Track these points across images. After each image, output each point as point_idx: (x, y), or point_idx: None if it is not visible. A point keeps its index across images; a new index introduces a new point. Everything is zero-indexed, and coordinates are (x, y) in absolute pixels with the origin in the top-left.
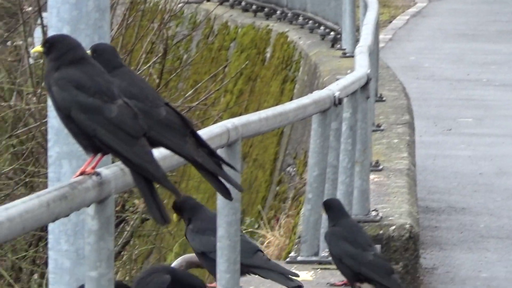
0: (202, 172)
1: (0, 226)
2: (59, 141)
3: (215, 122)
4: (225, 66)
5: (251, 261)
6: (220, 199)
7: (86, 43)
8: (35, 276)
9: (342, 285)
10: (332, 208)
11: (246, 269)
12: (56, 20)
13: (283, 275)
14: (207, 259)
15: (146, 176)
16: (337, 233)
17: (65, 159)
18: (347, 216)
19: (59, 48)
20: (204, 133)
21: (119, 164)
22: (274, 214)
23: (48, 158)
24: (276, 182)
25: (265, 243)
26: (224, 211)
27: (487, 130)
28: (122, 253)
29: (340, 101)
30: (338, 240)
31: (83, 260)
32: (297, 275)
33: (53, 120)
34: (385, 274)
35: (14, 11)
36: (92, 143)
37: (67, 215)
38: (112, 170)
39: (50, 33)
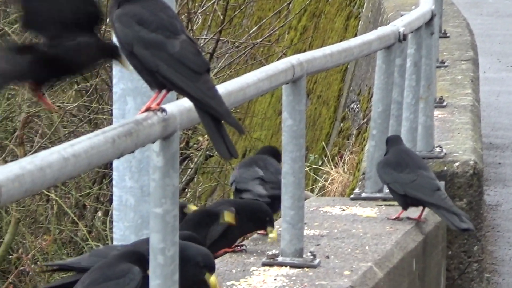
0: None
1: (66, 162)
2: (124, 77)
3: (279, 59)
4: (289, 3)
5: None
6: (285, 134)
7: None
8: (99, 213)
9: (396, 217)
10: (388, 142)
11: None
12: None
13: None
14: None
15: (209, 112)
16: (383, 161)
17: (129, 95)
18: (398, 144)
19: None
20: (268, 69)
21: (184, 100)
22: (338, 150)
23: (112, 95)
24: (340, 118)
25: (329, 180)
26: (288, 148)
27: None
28: (186, 190)
29: (404, 37)
30: (384, 168)
31: (147, 197)
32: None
33: None
34: (429, 191)
35: None
36: (156, 79)
37: (132, 152)
38: (177, 106)
39: None
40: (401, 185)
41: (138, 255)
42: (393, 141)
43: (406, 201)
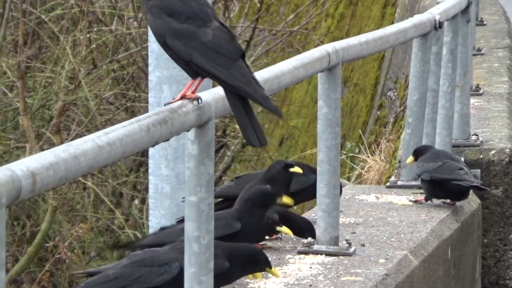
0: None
1: (100, 150)
2: (160, 65)
3: (315, 47)
4: None
5: (452, 176)
6: (321, 122)
7: None
8: (136, 201)
9: (416, 201)
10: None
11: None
12: None
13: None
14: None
15: (245, 97)
16: (419, 159)
17: (165, 83)
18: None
19: None
20: (304, 57)
21: (219, 88)
22: (375, 138)
23: (148, 83)
24: (377, 106)
25: (366, 167)
26: (324, 136)
27: None
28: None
29: (440, 24)
30: (417, 163)
31: (183, 185)
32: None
33: (154, 45)
34: (451, 171)
35: None
36: (191, 68)
37: (167, 140)
38: (212, 94)
39: None
40: (428, 173)
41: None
42: (424, 150)
43: (434, 190)
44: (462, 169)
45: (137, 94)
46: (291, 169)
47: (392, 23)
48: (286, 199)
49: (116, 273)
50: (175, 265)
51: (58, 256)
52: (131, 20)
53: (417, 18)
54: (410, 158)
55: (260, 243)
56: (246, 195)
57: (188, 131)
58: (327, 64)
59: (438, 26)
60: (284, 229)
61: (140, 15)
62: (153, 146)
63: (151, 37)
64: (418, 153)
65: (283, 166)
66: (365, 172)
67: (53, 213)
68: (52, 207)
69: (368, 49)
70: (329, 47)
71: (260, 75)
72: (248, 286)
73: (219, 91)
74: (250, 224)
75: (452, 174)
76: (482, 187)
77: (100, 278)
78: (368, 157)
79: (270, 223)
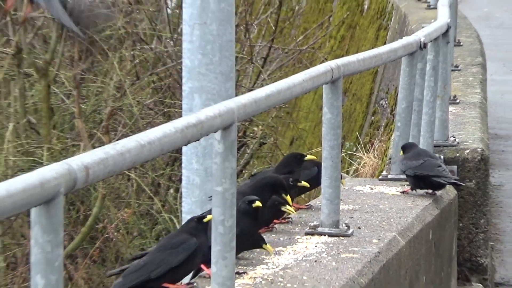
0: None
1: (142, 148)
2: (192, 78)
3: (321, 63)
4: (330, 16)
5: (432, 172)
6: (325, 125)
7: None
8: (171, 190)
9: (403, 191)
10: (405, 148)
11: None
12: None
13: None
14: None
15: None
16: (402, 157)
17: (196, 93)
18: (414, 147)
19: None
20: (311, 71)
21: (241, 96)
22: (369, 139)
23: (182, 92)
24: (371, 113)
25: (362, 163)
26: (327, 137)
27: None
28: (243, 171)
29: (425, 45)
30: (401, 161)
31: (210, 177)
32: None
33: (187, 61)
34: (431, 168)
35: None
36: None
37: (198, 140)
38: (235, 102)
39: None
40: (412, 169)
41: (196, 225)
42: (410, 146)
43: (418, 183)
44: (440, 166)
45: (172, 101)
46: (306, 158)
47: (385, 43)
48: (304, 183)
49: (145, 261)
50: (193, 241)
51: (106, 235)
52: (168, 40)
53: (405, 40)
54: (401, 153)
55: (269, 226)
56: (256, 182)
57: (215, 132)
58: (330, 78)
59: (423, 46)
60: (289, 208)
61: (175, 35)
62: (186, 145)
63: (185, 54)
64: (405, 148)
65: (298, 157)
66: (361, 167)
67: (102, 199)
68: (101, 194)
69: (365, 65)
70: (332, 63)
71: (275, 86)
72: (264, 261)
73: (241, 99)
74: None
75: (433, 171)
76: (459, 183)
77: (134, 266)
78: (364, 154)
79: (276, 204)
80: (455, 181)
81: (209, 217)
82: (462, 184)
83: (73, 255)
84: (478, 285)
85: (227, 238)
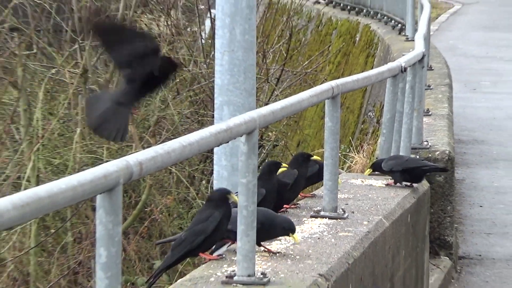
0: None
1: (184, 148)
2: (222, 93)
3: (322, 83)
4: (329, 46)
5: (417, 164)
6: (326, 131)
7: (240, 29)
8: (203, 182)
9: (388, 184)
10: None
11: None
12: (221, 14)
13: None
14: None
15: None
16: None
17: (225, 105)
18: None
19: None
20: (316, 89)
21: (262, 108)
22: (360, 143)
23: (214, 105)
24: (361, 122)
25: (354, 162)
26: (328, 140)
27: (499, 90)
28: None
29: (405, 69)
30: (386, 162)
31: (236, 172)
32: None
33: (218, 80)
34: (417, 161)
35: (192, 8)
36: None
37: (227, 142)
38: (257, 112)
39: (217, 23)
40: (400, 165)
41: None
42: (378, 162)
43: (403, 176)
44: (422, 160)
45: (205, 112)
46: (312, 158)
47: (372, 68)
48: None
49: (185, 235)
50: (217, 213)
51: (152, 217)
52: (202, 64)
53: (390, 65)
54: (368, 171)
55: (282, 209)
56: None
57: (241, 136)
58: (331, 94)
59: (403, 70)
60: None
61: (208, 60)
62: (217, 146)
63: (217, 74)
64: (375, 166)
65: (305, 155)
66: (353, 165)
67: (149, 188)
68: (149, 184)
69: (358, 85)
70: (332, 83)
71: (288, 100)
72: (278, 238)
73: (261, 110)
74: (269, 188)
75: (419, 163)
76: (444, 168)
77: (178, 240)
78: (355, 155)
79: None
80: (441, 168)
81: (234, 197)
82: (448, 170)
83: (126, 232)
84: (445, 258)
85: (250, 220)
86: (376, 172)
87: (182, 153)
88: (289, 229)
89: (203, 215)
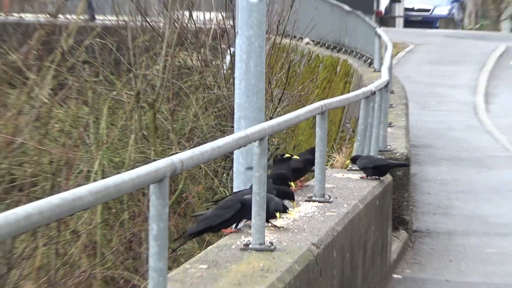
0: None
1: (213, 150)
2: (239, 110)
3: (312, 103)
4: (317, 75)
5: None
6: (317, 138)
7: (253, 63)
8: (225, 175)
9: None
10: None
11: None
12: (239, 51)
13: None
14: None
15: None
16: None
17: (242, 119)
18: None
19: None
20: (309, 107)
21: (272, 120)
22: (340, 146)
23: (234, 118)
24: (341, 131)
25: (335, 160)
26: (319, 145)
27: (442, 108)
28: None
29: (374, 92)
30: (359, 161)
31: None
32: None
33: (237, 100)
34: (384, 161)
35: (216, 46)
36: None
37: (245, 146)
38: (267, 123)
39: (236, 58)
40: (371, 163)
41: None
42: (357, 157)
43: (373, 172)
44: (388, 159)
45: (226, 123)
46: (284, 156)
47: (349, 92)
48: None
49: (209, 214)
50: (238, 204)
51: (186, 201)
52: (224, 88)
53: (363, 89)
54: (348, 162)
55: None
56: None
57: (254, 142)
58: (320, 111)
59: (373, 93)
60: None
61: (228, 85)
62: (238, 149)
63: (236, 96)
64: (353, 159)
65: (280, 156)
66: (335, 162)
67: (185, 179)
68: (184, 176)
69: (340, 104)
70: (322, 102)
71: (290, 115)
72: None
73: (270, 123)
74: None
75: (386, 162)
76: (405, 164)
77: (203, 217)
78: (336, 155)
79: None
80: (402, 163)
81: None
82: (407, 164)
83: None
84: (403, 231)
85: (261, 203)
86: (354, 168)
87: (212, 154)
88: (277, 210)
89: (228, 203)
